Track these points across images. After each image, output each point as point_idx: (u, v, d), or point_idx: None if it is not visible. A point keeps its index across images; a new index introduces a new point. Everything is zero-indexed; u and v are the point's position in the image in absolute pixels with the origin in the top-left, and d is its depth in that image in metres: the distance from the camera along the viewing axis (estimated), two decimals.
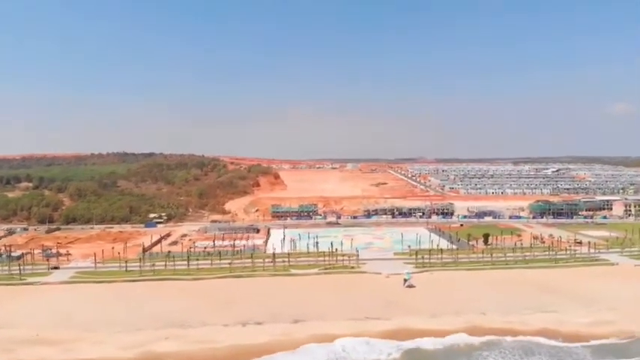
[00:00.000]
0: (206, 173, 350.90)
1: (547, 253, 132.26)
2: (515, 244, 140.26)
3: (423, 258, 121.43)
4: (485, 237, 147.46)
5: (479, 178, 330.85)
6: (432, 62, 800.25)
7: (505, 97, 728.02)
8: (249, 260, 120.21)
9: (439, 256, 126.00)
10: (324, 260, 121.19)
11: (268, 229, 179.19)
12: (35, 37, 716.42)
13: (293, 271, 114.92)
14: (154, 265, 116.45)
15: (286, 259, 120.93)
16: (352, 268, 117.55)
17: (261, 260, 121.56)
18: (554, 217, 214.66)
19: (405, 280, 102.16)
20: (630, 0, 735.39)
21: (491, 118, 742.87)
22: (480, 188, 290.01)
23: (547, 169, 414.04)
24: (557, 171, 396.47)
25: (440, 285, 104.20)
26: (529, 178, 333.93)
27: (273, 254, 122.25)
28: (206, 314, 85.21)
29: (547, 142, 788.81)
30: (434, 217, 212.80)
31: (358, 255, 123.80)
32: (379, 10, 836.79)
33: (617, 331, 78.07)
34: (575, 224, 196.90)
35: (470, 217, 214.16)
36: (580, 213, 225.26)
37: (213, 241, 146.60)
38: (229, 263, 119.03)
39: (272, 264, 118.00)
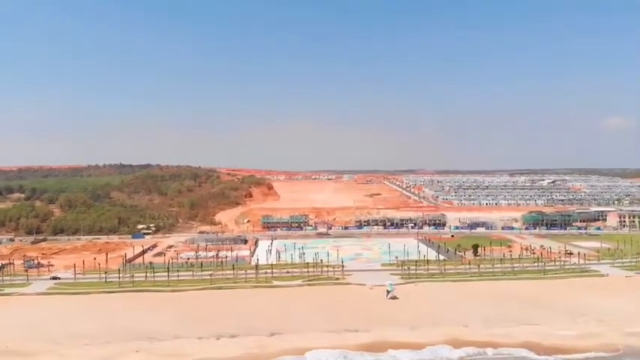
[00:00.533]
0: (200, 184, 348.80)
1: (536, 264, 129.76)
2: (504, 255, 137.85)
3: (409, 269, 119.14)
4: (475, 248, 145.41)
5: (473, 189, 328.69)
6: (432, 72, 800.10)
7: (503, 106, 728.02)
8: (232, 272, 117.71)
9: (426, 267, 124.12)
10: (309, 272, 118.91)
11: (256, 240, 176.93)
12: (35, 42, 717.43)
13: (275, 282, 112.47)
14: (132, 276, 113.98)
15: (270, 271, 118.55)
16: (337, 279, 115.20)
17: (243, 272, 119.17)
18: (547, 228, 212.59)
19: (388, 292, 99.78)
20: (628, 11, 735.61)
21: (490, 129, 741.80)
22: (474, 199, 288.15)
23: (543, 180, 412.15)
24: (552, 182, 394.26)
25: (423, 296, 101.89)
26: (524, 189, 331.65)
27: (256, 265, 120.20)
28: (181, 327, 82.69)
29: (546, 154, 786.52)
30: (425, 228, 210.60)
31: (343, 266, 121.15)
32: (377, 18, 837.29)
33: (603, 344, 75.47)
34: (568, 235, 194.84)
35: (462, 228, 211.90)
36: (574, 224, 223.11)
37: (196, 252, 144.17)
38: (210, 275, 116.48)
39: (255, 275, 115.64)
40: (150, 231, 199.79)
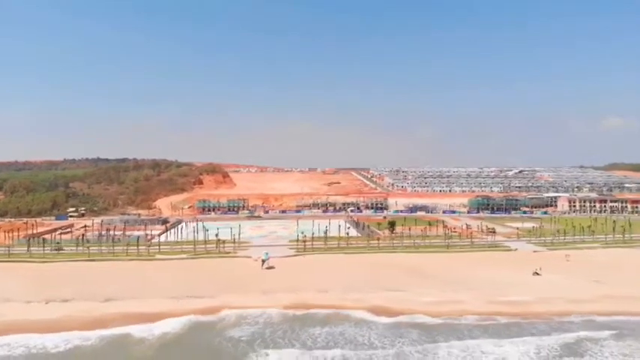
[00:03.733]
0: (158, 174, 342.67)
1: (452, 240, 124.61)
2: (422, 232, 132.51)
3: (304, 243, 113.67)
4: (391, 225, 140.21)
5: (434, 178, 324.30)
6: (431, 72, 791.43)
7: (493, 108, 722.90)
8: (123, 247, 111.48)
9: (335, 242, 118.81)
10: (206, 247, 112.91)
11: (178, 222, 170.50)
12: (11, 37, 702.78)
13: (159, 256, 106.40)
14: (8, 248, 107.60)
15: (165, 247, 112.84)
16: (228, 253, 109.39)
17: (134, 247, 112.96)
18: (491, 212, 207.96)
19: (264, 261, 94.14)
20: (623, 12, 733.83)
21: (489, 130, 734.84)
22: (428, 186, 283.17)
23: (511, 170, 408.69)
24: (520, 172, 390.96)
25: (303, 267, 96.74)
26: (483, 177, 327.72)
27: (137, 240, 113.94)
28: (20, 293, 76.98)
29: (546, 155, 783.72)
30: (366, 212, 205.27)
31: (239, 242, 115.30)
32: (373, 19, 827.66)
33: (458, 309, 70.37)
34: (507, 218, 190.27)
35: (403, 211, 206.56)
36: (521, 208, 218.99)
37: (100, 231, 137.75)
38: (98, 249, 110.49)
39: (146, 250, 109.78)
40: (76, 214, 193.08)
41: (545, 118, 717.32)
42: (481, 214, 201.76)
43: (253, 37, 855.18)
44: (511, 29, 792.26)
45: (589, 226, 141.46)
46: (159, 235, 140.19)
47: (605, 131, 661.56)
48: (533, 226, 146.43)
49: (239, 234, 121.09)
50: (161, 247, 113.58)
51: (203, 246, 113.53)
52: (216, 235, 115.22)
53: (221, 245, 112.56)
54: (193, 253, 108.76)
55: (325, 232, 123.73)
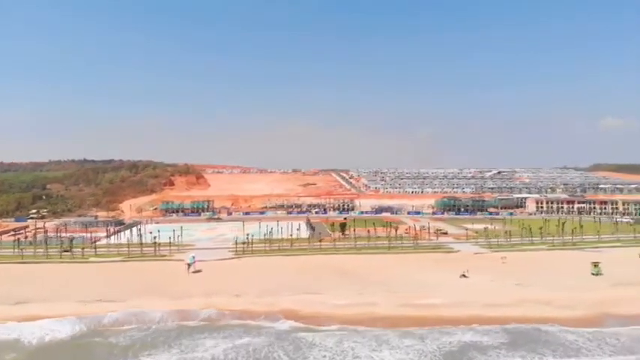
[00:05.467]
0: (135, 175, 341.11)
1: (398, 242, 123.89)
2: (369, 233, 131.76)
3: (244, 246, 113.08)
4: (342, 227, 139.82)
5: (410, 179, 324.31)
6: (431, 74, 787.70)
7: (492, 108, 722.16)
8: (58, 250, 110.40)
9: (277, 245, 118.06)
10: (141, 250, 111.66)
11: (134, 224, 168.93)
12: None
13: (93, 259, 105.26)
14: None
15: (102, 249, 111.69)
16: (164, 256, 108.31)
17: (78, 250, 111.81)
18: (456, 213, 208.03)
19: (189, 265, 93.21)
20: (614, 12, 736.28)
21: (489, 131, 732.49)
22: (400, 187, 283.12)
23: (490, 171, 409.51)
24: (498, 173, 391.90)
25: (233, 270, 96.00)
26: (459, 179, 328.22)
27: (70, 243, 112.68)
28: None
29: (545, 155, 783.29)
30: (331, 213, 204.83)
31: (181, 245, 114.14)
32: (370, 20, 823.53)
33: (365, 313, 69.47)
34: (470, 219, 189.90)
35: (368, 212, 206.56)
36: (488, 210, 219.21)
37: (45, 233, 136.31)
38: (33, 251, 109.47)
39: (81, 253, 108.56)
40: (36, 215, 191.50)
41: (545, 118, 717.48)
42: (445, 215, 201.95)
43: (252, 38, 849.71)
44: (510, 29, 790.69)
45: (540, 228, 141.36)
46: (107, 237, 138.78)
47: (603, 131, 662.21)
48: (485, 227, 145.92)
49: (181, 236, 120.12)
50: (99, 249, 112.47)
51: (139, 249, 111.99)
52: (154, 237, 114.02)
53: (159, 248, 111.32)
54: (127, 255, 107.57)
55: (269, 234, 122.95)
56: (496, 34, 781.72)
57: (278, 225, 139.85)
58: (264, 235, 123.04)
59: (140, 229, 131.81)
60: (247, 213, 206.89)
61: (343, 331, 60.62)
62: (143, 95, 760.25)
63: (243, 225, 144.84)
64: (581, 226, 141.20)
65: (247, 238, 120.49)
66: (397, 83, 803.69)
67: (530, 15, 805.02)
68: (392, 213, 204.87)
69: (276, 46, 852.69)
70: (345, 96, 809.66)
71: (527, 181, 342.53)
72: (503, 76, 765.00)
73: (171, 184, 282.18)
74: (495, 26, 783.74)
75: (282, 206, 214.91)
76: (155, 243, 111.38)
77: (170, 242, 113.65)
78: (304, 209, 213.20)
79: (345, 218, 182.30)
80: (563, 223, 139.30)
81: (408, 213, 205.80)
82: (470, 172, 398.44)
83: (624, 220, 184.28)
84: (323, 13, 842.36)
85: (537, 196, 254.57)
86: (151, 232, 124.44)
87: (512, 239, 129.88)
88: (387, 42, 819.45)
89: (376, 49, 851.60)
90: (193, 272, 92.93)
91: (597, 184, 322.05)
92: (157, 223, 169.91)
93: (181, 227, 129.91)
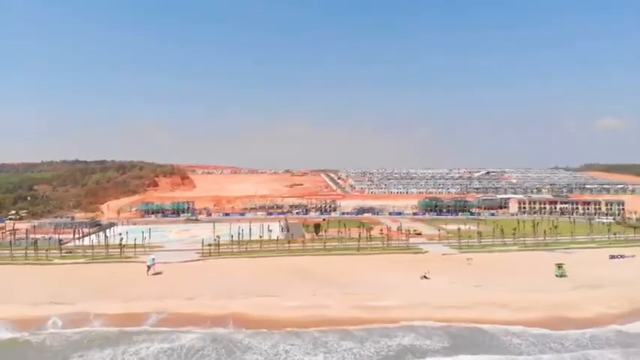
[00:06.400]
0: (121, 175, 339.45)
1: (368, 242, 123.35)
2: (341, 234, 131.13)
3: (209, 247, 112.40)
4: (316, 228, 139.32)
5: (397, 180, 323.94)
6: (430, 74, 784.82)
7: (491, 109, 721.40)
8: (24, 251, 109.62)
9: (246, 246, 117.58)
10: (106, 252, 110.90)
11: (110, 225, 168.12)
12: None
13: (57, 261, 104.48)
14: None
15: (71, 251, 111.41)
16: (128, 258, 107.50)
17: (43, 251, 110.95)
18: (437, 214, 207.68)
19: (149, 267, 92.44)
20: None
21: (488, 131, 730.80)
22: (386, 188, 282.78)
23: (479, 171, 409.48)
24: (487, 174, 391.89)
25: (194, 272, 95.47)
26: (445, 179, 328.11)
27: (35, 243, 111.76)
28: None
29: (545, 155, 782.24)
30: (313, 214, 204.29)
31: (149, 246, 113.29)
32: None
33: (316, 315, 68.82)
34: (451, 220, 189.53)
35: (350, 213, 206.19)
36: (470, 210, 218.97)
37: (13, 235, 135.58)
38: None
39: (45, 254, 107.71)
40: (14, 216, 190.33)
41: (543, 119, 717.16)
42: (426, 216, 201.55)
43: (251, 38, 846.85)
44: (511, 30, 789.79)
45: (514, 229, 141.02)
46: (78, 238, 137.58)
47: (599, 132, 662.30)
48: (458, 228, 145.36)
49: (149, 237, 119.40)
50: (64, 251, 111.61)
51: (105, 250, 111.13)
52: (121, 239, 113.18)
53: (125, 250, 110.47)
54: (92, 257, 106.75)
55: (240, 236, 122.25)
56: (496, 34, 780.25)
57: (250, 226, 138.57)
58: (233, 236, 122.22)
59: (111, 231, 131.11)
60: (227, 214, 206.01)
61: (283, 334, 59.86)
62: (139, 95, 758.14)
63: (214, 226, 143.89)
64: (556, 227, 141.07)
65: (215, 239, 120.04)
66: (397, 83, 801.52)
67: (530, 15, 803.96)
68: (373, 214, 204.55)
69: (275, 46, 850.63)
70: (342, 96, 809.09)
71: (514, 181, 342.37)
72: (503, 76, 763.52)
73: (155, 184, 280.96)
74: (495, 26, 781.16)
75: (262, 207, 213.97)
76: (121, 245, 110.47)
77: (135, 244, 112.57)
78: (285, 210, 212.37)
79: (324, 219, 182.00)
80: (538, 224, 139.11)
81: (390, 214, 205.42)
82: (458, 173, 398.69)
83: (604, 220, 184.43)
84: (323, 13, 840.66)
85: (521, 196, 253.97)
86: (120, 234, 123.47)
87: (484, 240, 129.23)
88: (387, 42, 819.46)
89: (376, 49, 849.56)
90: (153, 274, 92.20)
91: (584, 185, 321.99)
92: (134, 224, 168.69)
93: (149, 229, 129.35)
